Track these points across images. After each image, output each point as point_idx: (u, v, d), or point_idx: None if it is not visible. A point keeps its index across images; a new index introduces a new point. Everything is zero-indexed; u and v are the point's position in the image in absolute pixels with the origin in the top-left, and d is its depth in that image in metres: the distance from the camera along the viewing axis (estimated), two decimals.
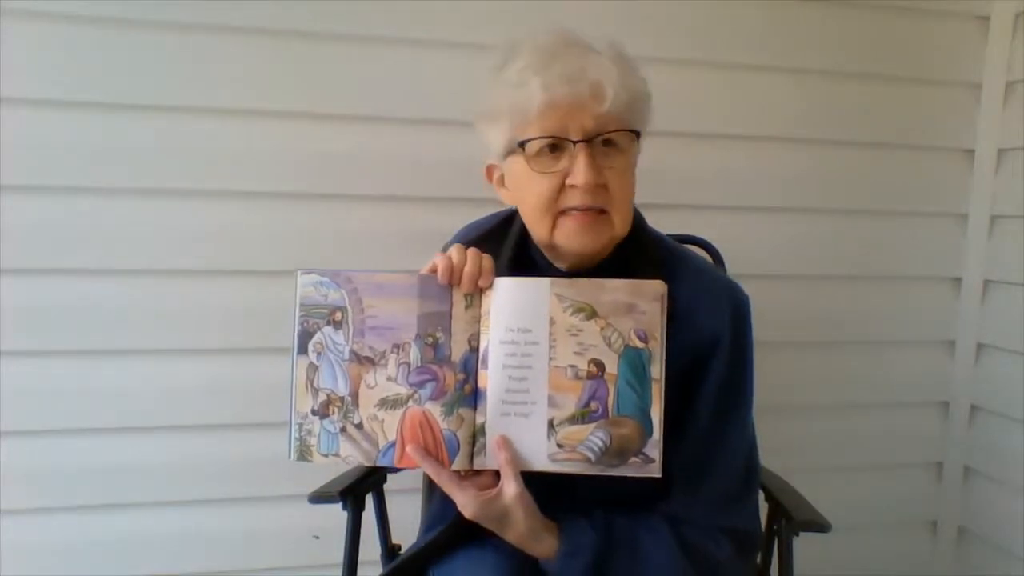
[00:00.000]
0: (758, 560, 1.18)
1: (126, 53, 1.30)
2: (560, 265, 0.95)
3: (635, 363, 0.85)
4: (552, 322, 0.85)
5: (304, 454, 0.86)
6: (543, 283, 0.86)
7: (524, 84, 0.84)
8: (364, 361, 0.86)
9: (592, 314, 0.85)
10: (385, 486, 1.26)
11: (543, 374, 0.85)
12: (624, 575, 0.87)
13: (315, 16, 1.34)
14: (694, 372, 0.90)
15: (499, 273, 0.89)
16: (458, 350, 0.87)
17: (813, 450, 1.69)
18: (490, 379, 0.86)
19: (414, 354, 0.86)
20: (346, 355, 0.86)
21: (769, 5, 1.52)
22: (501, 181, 0.96)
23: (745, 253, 1.45)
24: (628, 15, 1.45)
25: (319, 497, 1.13)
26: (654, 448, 0.84)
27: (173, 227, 1.36)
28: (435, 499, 1.14)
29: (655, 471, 0.84)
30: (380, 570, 1.25)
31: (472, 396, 0.87)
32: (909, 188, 1.68)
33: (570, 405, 0.85)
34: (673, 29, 1.48)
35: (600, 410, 0.85)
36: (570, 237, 0.89)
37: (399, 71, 1.39)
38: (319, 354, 0.86)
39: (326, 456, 0.86)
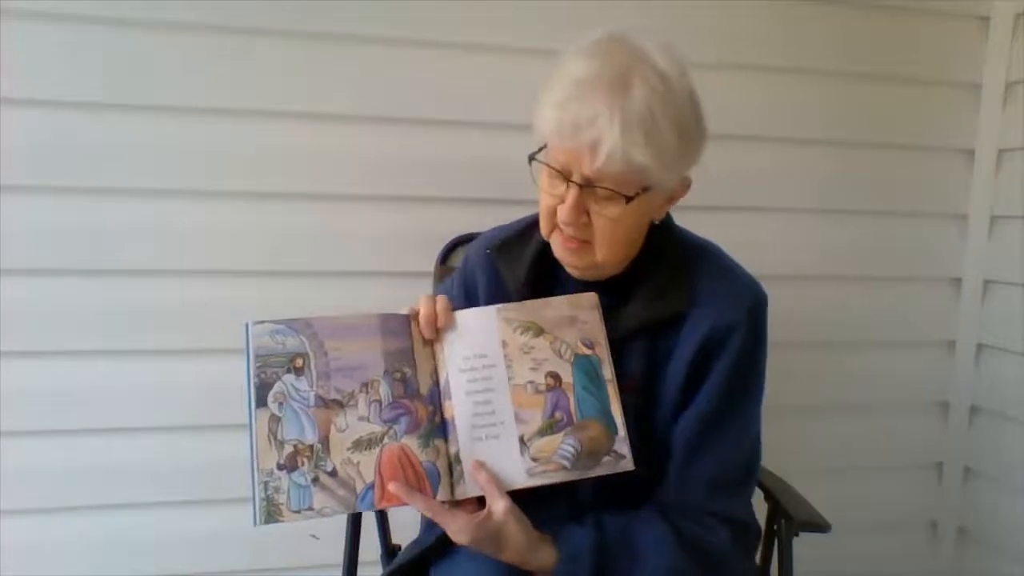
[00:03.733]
0: (758, 560, 1.18)
1: (126, 53, 1.29)
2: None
3: (587, 369, 0.89)
4: (505, 344, 0.89)
5: (273, 515, 0.79)
6: (490, 311, 0.91)
7: (543, 113, 0.86)
8: (332, 404, 0.83)
9: (539, 331, 0.90)
10: None
11: (505, 394, 0.88)
12: (622, 571, 0.88)
13: (315, 16, 1.34)
14: (705, 358, 0.91)
15: (522, 274, 0.97)
16: (424, 383, 0.88)
17: (813, 450, 1.70)
18: (457, 407, 0.87)
19: (384, 390, 0.85)
20: (311, 401, 0.83)
21: (768, 5, 1.52)
22: None
23: (745, 253, 1.44)
24: (626, 16, 1.44)
25: None
26: (623, 444, 0.88)
27: (172, 227, 1.36)
28: None
29: (628, 466, 0.87)
30: (380, 570, 1.25)
31: (441, 427, 0.87)
32: (909, 188, 1.68)
33: (536, 419, 0.87)
34: (670, 30, 1.48)
35: (565, 419, 0.87)
36: (557, 250, 0.94)
37: (399, 71, 1.39)
38: (280, 404, 0.82)
39: (298, 512, 0.80)
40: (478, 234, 1.45)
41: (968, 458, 1.77)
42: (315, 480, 0.81)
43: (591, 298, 0.92)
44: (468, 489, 0.85)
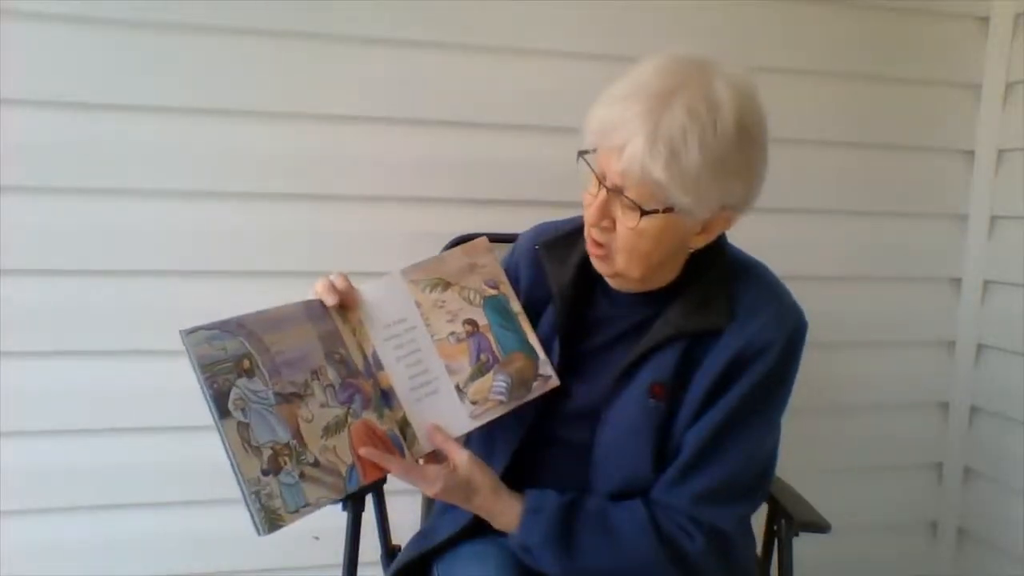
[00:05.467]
0: (757, 559, 1.18)
1: (126, 53, 1.29)
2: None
3: (497, 307, 0.97)
4: (419, 304, 0.94)
5: (274, 521, 0.77)
6: (395, 277, 0.95)
7: (592, 110, 0.87)
8: (292, 398, 0.82)
9: (446, 284, 0.96)
10: (385, 487, 1.26)
11: (432, 351, 0.93)
12: (591, 540, 0.89)
13: (315, 16, 1.34)
14: (732, 371, 0.91)
15: (567, 276, 0.98)
16: (358, 360, 0.90)
17: (813, 450, 1.69)
18: (392, 375, 0.91)
19: (332, 374, 0.86)
20: (272, 399, 0.81)
21: (767, 5, 1.52)
22: None
23: None
24: (628, 18, 1.44)
25: None
26: (546, 366, 0.96)
27: (173, 227, 1.36)
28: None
29: (555, 382, 0.96)
30: (380, 570, 1.25)
31: (384, 397, 0.90)
32: (909, 188, 1.68)
33: (465, 366, 0.93)
34: (668, 31, 1.48)
35: (491, 359, 0.94)
36: (590, 254, 0.95)
37: (399, 71, 1.39)
38: (243, 410, 0.79)
39: (296, 512, 0.79)
40: (477, 234, 1.45)
41: (968, 458, 1.76)
42: (302, 475, 0.80)
43: (481, 243, 0.99)
44: (423, 449, 0.90)
